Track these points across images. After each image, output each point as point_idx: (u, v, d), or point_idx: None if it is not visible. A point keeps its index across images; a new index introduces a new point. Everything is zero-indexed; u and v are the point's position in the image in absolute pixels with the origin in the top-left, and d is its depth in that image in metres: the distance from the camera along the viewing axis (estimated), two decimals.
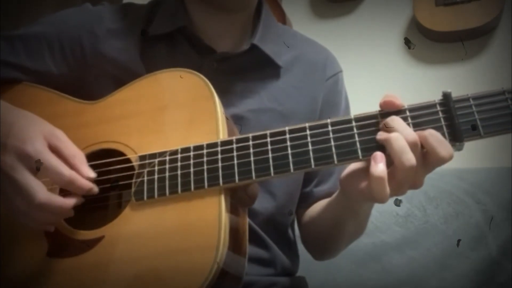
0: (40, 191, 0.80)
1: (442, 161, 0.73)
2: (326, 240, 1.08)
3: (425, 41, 2.20)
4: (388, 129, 0.75)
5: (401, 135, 0.73)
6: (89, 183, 0.84)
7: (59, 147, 0.84)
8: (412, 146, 0.73)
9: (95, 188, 0.85)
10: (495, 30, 2.10)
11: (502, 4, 2.02)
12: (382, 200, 0.75)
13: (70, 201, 0.83)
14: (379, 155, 0.74)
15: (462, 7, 2.06)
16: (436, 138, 0.73)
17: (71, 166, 0.83)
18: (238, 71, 1.05)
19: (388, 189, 0.74)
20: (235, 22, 1.09)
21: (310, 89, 1.11)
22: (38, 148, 0.81)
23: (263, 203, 1.02)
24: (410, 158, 0.72)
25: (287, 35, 1.16)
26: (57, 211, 0.82)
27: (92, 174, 0.85)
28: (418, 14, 2.14)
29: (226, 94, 0.90)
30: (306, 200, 1.13)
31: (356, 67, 2.22)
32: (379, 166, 0.73)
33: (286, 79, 1.08)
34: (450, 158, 0.72)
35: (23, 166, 0.81)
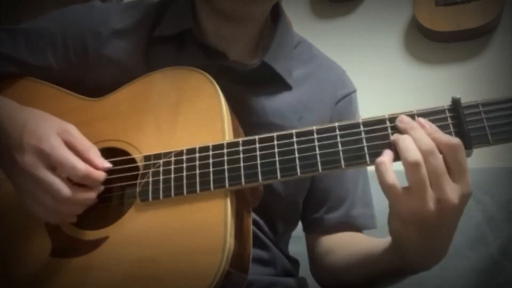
0: (64, 186, 0.81)
1: (455, 149, 0.71)
2: (360, 286, 1.03)
3: (425, 41, 2.20)
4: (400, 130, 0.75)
5: (410, 136, 0.73)
6: (103, 174, 0.85)
7: (72, 142, 0.85)
8: (426, 153, 0.71)
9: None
10: (495, 30, 2.11)
11: (502, 4, 2.02)
12: (384, 185, 0.73)
13: (93, 192, 0.84)
14: (387, 151, 0.74)
15: (462, 7, 2.06)
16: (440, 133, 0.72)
17: (85, 160, 0.84)
18: (245, 81, 1.02)
19: (390, 173, 0.72)
20: (246, 31, 1.05)
21: (318, 108, 1.07)
22: (54, 144, 0.83)
23: (259, 222, 1.02)
24: (414, 154, 0.71)
25: (302, 49, 1.12)
26: (82, 203, 0.84)
27: (107, 164, 0.85)
28: (418, 14, 2.14)
29: (229, 102, 0.89)
30: (317, 226, 1.10)
31: (356, 67, 2.20)
32: (383, 156, 0.73)
33: (295, 95, 1.05)
34: (460, 143, 0.71)
35: (42, 164, 0.82)
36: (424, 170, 0.71)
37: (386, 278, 0.95)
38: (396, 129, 0.75)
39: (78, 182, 0.84)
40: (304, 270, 1.16)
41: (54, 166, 0.82)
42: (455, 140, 0.71)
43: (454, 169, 0.72)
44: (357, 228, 1.10)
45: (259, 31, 1.08)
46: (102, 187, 0.86)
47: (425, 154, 0.71)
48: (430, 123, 0.73)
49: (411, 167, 0.71)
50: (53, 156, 0.82)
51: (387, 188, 0.73)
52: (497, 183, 1.55)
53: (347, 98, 1.12)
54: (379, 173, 0.73)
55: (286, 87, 1.05)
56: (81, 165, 0.82)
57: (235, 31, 1.04)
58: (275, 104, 1.03)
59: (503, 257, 1.41)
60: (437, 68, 2.18)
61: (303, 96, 1.06)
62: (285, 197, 1.05)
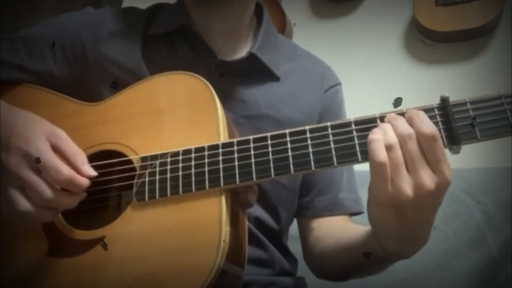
0: (47, 188, 0.81)
1: (427, 139, 0.73)
2: (344, 273, 1.07)
3: (425, 41, 2.19)
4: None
5: (390, 124, 0.75)
6: (87, 181, 0.84)
7: (61, 146, 0.85)
8: (402, 138, 0.73)
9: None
10: (495, 30, 2.10)
11: (502, 4, 2.01)
12: (375, 162, 0.74)
13: (76, 197, 0.84)
14: (378, 130, 0.76)
15: (462, 7, 2.05)
16: (420, 117, 0.74)
17: (72, 165, 0.84)
18: (236, 76, 1.05)
19: (383, 151, 0.73)
20: (231, 21, 1.09)
21: (308, 98, 1.11)
22: (40, 148, 0.82)
23: (261, 215, 1.04)
24: (390, 137, 0.74)
25: (287, 48, 1.17)
26: (64, 206, 0.84)
27: (93, 172, 0.85)
28: (418, 14, 2.13)
29: (222, 98, 0.90)
30: (307, 210, 1.14)
31: (356, 67, 2.22)
32: (375, 133, 0.75)
33: (284, 86, 1.09)
34: (434, 133, 0.72)
35: (27, 166, 0.81)
36: (398, 153, 0.73)
37: (368, 266, 0.97)
38: None
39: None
40: (304, 269, 1.17)
41: (38, 169, 0.81)
42: (429, 129, 0.73)
43: (430, 159, 0.73)
44: (346, 211, 1.13)
45: (246, 27, 1.12)
46: (85, 194, 0.85)
47: (401, 138, 0.73)
48: (418, 112, 0.75)
49: (387, 149, 0.73)
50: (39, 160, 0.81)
51: (378, 165, 0.74)
52: (497, 183, 1.55)
53: (334, 88, 1.17)
54: (372, 149, 0.74)
55: (274, 78, 1.08)
56: (65, 170, 0.81)
57: (223, 22, 1.08)
58: (267, 96, 1.06)
59: (503, 257, 1.41)
60: (437, 68, 2.18)
61: (292, 87, 1.10)
62: (289, 187, 1.09)
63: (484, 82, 2.02)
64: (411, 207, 0.74)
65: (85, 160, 0.86)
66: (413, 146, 0.73)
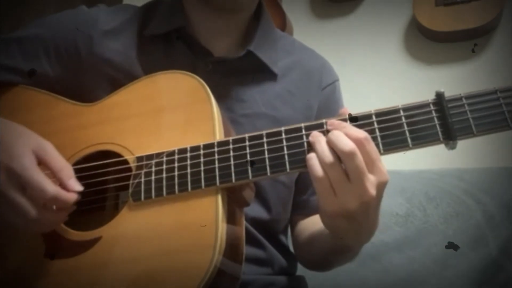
0: (31, 208, 0.80)
1: (343, 153, 0.74)
2: (323, 263, 1.10)
3: (425, 41, 2.20)
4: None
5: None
6: (74, 196, 0.82)
7: (46, 160, 0.83)
8: (328, 165, 0.75)
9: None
10: (495, 30, 2.10)
11: (502, 4, 2.02)
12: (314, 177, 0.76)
13: (63, 213, 0.83)
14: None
15: (462, 7, 2.06)
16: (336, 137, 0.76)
17: (58, 180, 0.83)
18: (234, 74, 1.05)
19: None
20: (232, 23, 1.09)
21: (306, 96, 1.11)
22: (25, 165, 0.81)
23: (257, 212, 1.03)
24: (348, 143, 0.75)
25: (285, 42, 1.17)
26: (53, 221, 0.83)
27: (78, 187, 0.83)
28: (418, 14, 2.14)
29: (221, 97, 0.90)
30: (303, 208, 1.13)
31: (356, 67, 2.22)
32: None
33: (282, 85, 1.09)
34: (351, 150, 0.74)
35: (11, 183, 0.80)
36: (338, 169, 0.75)
37: (336, 255, 1.00)
38: (383, 123, 0.78)
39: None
40: (304, 268, 1.16)
41: (24, 186, 0.81)
42: (363, 134, 0.75)
43: (367, 162, 0.75)
44: None
45: (245, 25, 1.11)
46: (74, 207, 0.84)
47: (341, 154, 0.75)
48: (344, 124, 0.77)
49: (325, 167, 0.75)
50: (23, 177, 0.80)
51: (318, 180, 0.76)
52: (497, 183, 1.55)
53: (331, 86, 1.17)
54: (310, 165, 0.76)
55: (272, 76, 1.08)
56: (50, 188, 0.80)
57: (223, 23, 1.07)
58: (265, 95, 1.06)
59: (503, 257, 1.41)
60: (437, 68, 2.18)
61: (290, 85, 1.10)
62: (286, 183, 1.09)
63: (484, 82, 2.02)
64: (359, 213, 0.77)
65: (72, 174, 0.84)
66: (352, 162, 0.74)
